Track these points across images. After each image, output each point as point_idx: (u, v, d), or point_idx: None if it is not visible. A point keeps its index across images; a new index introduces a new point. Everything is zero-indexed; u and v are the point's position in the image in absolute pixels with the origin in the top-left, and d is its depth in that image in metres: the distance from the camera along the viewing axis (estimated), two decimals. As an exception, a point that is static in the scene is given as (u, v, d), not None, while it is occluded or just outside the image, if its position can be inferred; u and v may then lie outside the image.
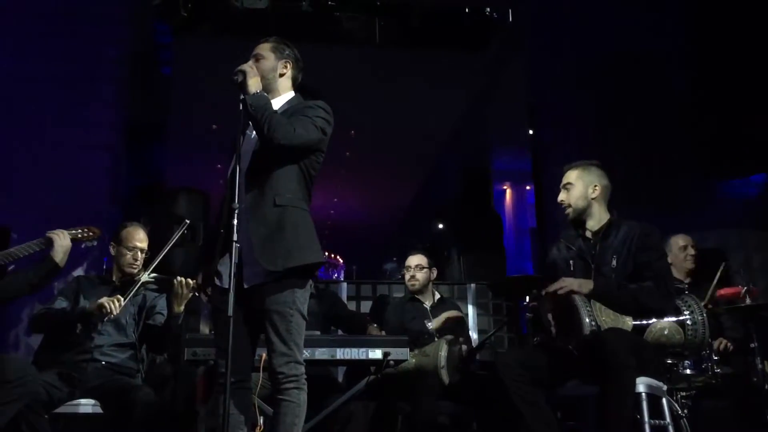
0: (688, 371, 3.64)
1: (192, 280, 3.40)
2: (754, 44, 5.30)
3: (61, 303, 3.54)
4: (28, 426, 2.92)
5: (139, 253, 3.65)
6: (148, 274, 3.56)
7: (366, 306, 5.79)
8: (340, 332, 4.46)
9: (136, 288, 3.50)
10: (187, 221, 3.78)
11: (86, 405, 3.33)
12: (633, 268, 3.05)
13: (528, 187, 10.89)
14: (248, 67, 2.73)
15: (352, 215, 13.64)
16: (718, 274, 4.05)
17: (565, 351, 3.04)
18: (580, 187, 3.22)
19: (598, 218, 3.21)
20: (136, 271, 3.64)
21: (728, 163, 5.51)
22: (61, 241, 2.99)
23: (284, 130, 2.62)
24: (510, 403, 3.00)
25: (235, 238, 2.49)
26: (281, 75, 2.87)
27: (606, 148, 5.81)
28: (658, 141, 5.77)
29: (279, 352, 2.60)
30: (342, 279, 10.91)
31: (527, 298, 3.48)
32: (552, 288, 2.99)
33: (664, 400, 3.02)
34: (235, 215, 2.51)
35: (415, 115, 9.82)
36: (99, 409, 3.33)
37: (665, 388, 3.08)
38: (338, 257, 13.04)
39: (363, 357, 3.44)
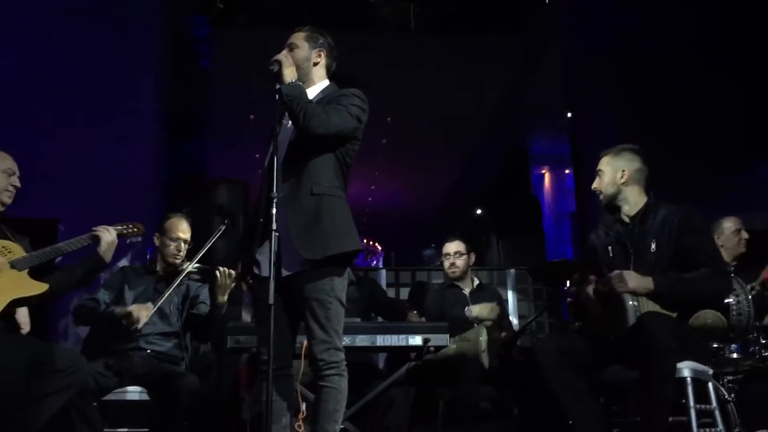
0: (734, 355, 3.56)
1: (233, 270, 3.45)
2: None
3: (103, 295, 3.63)
4: (78, 413, 3.00)
5: (182, 243, 3.71)
6: (192, 265, 3.62)
7: (405, 293, 5.81)
8: (380, 319, 4.49)
9: (179, 279, 3.57)
10: (225, 223, 3.83)
11: (133, 392, 3.42)
12: (674, 253, 3.00)
13: (567, 171, 10.75)
14: (283, 56, 2.74)
15: (390, 202, 13.64)
16: None
17: (606, 336, 3.01)
18: (610, 173, 3.18)
19: (633, 202, 3.17)
20: (179, 261, 3.71)
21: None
22: (107, 237, 3.06)
23: (320, 120, 2.63)
24: (550, 388, 2.99)
25: (273, 227, 2.52)
26: (315, 64, 2.88)
27: (647, 130, 5.71)
28: (702, 121, 5.65)
29: (319, 339, 2.63)
30: (381, 266, 10.94)
31: (568, 283, 3.44)
32: (608, 288, 2.94)
33: (710, 385, 2.97)
34: (274, 204, 2.54)
35: (452, 101, 9.75)
36: (146, 396, 3.41)
37: (711, 372, 3.03)
38: (377, 244, 13.08)
39: (403, 343, 3.45)
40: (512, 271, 6.05)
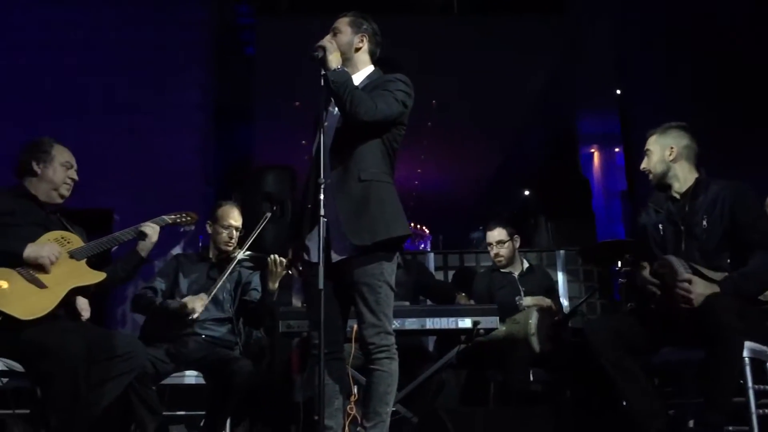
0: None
1: (284, 257, 3.49)
2: None
3: (159, 283, 3.72)
4: (137, 397, 3.09)
5: (234, 231, 3.77)
6: (244, 252, 3.68)
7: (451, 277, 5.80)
8: (428, 302, 4.49)
9: (232, 266, 3.63)
10: (273, 210, 3.88)
11: (190, 377, 3.51)
12: (725, 229, 2.94)
13: (617, 149, 10.55)
14: (328, 42, 2.73)
15: (437, 185, 13.60)
16: None
17: (661, 317, 2.96)
18: (658, 152, 3.13)
19: (683, 179, 3.11)
20: (231, 248, 3.77)
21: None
22: (151, 236, 3.13)
23: (366, 106, 2.63)
24: (603, 369, 2.96)
25: (322, 212, 2.54)
26: (358, 49, 2.87)
27: (699, 105, 5.56)
28: (755, 95, 5.46)
29: (369, 323, 2.65)
30: (429, 249, 10.94)
31: (619, 263, 3.39)
32: (677, 294, 2.88)
33: (768, 365, 2.90)
34: (321, 190, 2.56)
35: (497, 82, 9.65)
36: (202, 380, 3.50)
37: (770, 352, 2.96)
38: (424, 228, 13.07)
39: (452, 326, 3.46)
40: (562, 252, 5.98)
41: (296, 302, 5.03)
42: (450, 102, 9.81)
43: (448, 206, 14.13)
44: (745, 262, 2.91)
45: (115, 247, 3.12)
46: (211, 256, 3.82)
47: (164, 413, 3.30)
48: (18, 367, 2.69)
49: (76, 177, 3.08)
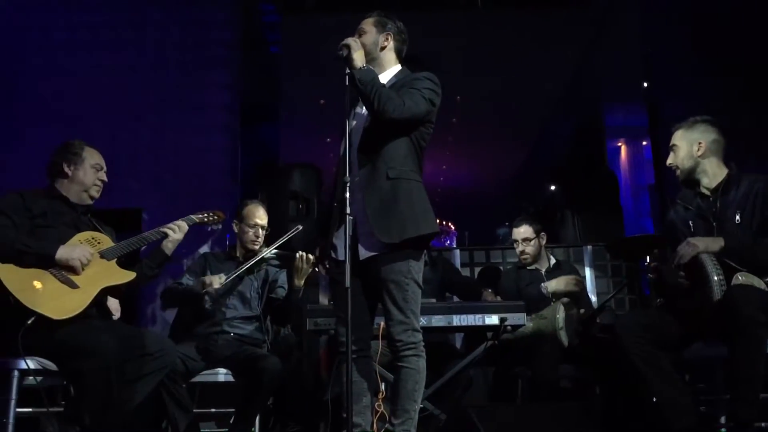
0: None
1: (311, 255, 3.52)
2: None
3: (187, 280, 3.77)
4: (168, 394, 3.14)
5: (260, 230, 3.81)
6: (271, 251, 3.71)
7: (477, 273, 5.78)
8: (455, 299, 4.48)
9: (255, 261, 3.66)
10: (299, 227, 3.90)
11: (220, 374, 3.55)
12: (761, 223, 2.89)
13: (644, 143, 10.42)
14: (352, 40, 2.75)
15: (462, 181, 13.55)
16: None
17: (691, 312, 2.93)
18: (685, 147, 3.09)
19: (712, 174, 3.07)
20: (258, 247, 3.80)
21: None
22: (176, 235, 3.17)
23: (394, 104, 2.64)
24: (632, 365, 2.94)
25: (348, 210, 2.55)
26: (383, 48, 2.88)
27: (728, 97, 5.46)
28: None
29: (397, 320, 2.66)
30: (454, 246, 10.91)
31: (648, 258, 3.35)
32: (679, 259, 2.87)
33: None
34: (348, 188, 2.57)
35: (522, 76, 9.58)
36: (231, 378, 3.54)
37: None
38: (450, 224, 13.02)
39: (479, 323, 3.46)
40: (589, 247, 5.93)
41: (323, 299, 5.05)
42: (475, 97, 9.76)
43: (474, 202, 14.07)
44: None
45: (144, 247, 3.16)
46: (238, 254, 3.86)
47: (195, 410, 3.34)
48: (52, 366, 2.74)
49: (105, 179, 3.13)
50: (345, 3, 7.59)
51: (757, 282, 2.81)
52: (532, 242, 4.37)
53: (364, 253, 2.70)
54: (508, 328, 3.45)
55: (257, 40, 8.47)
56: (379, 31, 2.88)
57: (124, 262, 3.04)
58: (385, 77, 2.83)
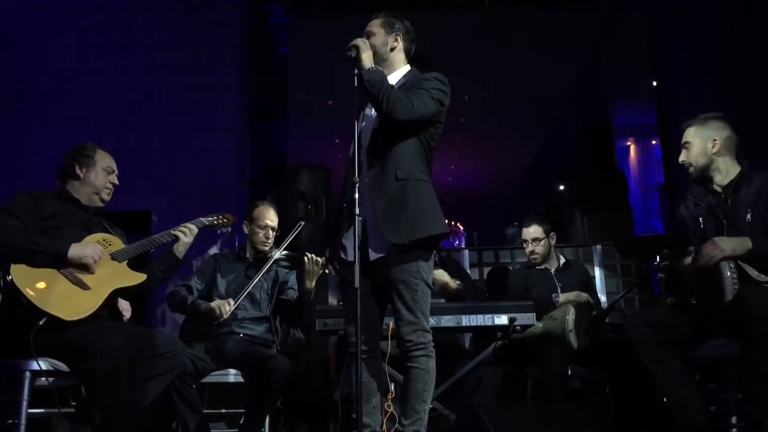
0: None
1: (320, 257, 3.52)
2: None
3: (195, 282, 3.77)
4: (178, 395, 3.14)
5: (270, 231, 3.81)
6: (280, 252, 3.72)
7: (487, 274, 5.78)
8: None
9: (270, 264, 3.67)
10: (302, 223, 3.90)
11: (229, 375, 3.55)
12: None
13: (654, 142, 10.38)
14: (361, 41, 2.75)
15: (471, 181, 13.53)
16: None
17: (702, 311, 2.92)
18: (699, 144, 3.05)
19: (725, 171, 3.04)
20: (268, 248, 3.81)
21: None
22: (186, 238, 3.18)
23: (402, 105, 2.64)
24: (642, 365, 2.92)
25: (357, 211, 2.55)
26: (392, 49, 2.88)
27: (737, 95, 5.43)
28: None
29: (406, 320, 2.66)
30: (463, 246, 10.90)
31: (657, 257, 3.34)
32: (708, 260, 2.83)
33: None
34: (356, 189, 2.58)
35: (530, 75, 9.55)
36: (241, 379, 3.54)
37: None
38: (458, 224, 13.01)
39: (489, 323, 3.46)
40: (598, 247, 5.91)
41: (332, 300, 5.06)
42: (483, 97, 9.75)
43: (483, 202, 14.06)
44: None
45: (153, 249, 3.17)
46: (248, 255, 3.87)
47: (205, 411, 3.35)
48: (63, 366, 2.75)
49: (116, 182, 3.15)
50: (352, 3, 7.60)
51: None
52: (542, 242, 4.36)
53: (373, 254, 2.70)
54: (518, 328, 3.45)
55: (265, 41, 8.49)
56: (388, 31, 2.88)
57: (135, 264, 3.05)
58: (394, 78, 2.83)
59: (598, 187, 6.88)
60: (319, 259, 3.57)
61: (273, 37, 8.95)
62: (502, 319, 3.44)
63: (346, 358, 3.18)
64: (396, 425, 2.71)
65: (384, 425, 2.74)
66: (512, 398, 4.22)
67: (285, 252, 3.73)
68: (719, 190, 3.05)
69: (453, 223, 12.60)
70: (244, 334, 3.65)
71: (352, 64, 2.70)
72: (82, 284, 2.80)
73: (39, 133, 6.21)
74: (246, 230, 3.88)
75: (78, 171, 3.05)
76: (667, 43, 6.86)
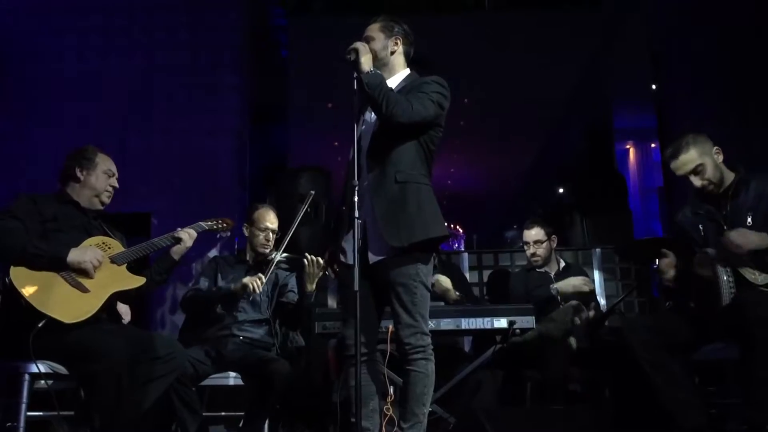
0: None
1: (320, 258, 3.52)
2: None
3: (204, 282, 3.78)
4: (178, 397, 3.15)
5: (270, 233, 3.81)
6: (281, 254, 3.72)
7: (488, 276, 5.77)
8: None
9: (271, 267, 3.67)
10: (312, 192, 3.91)
11: (229, 377, 3.55)
12: None
13: (653, 145, 10.40)
14: (360, 44, 2.74)
15: (470, 184, 13.52)
16: None
17: (701, 314, 2.92)
18: (709, 161, 3.05)
19: (724, 179, 3.06)
20: (268, 251, 3.81)
21: None
22: (186, 242, 3.18)
23: (402, 108, 2.64)
24: (641, 368, 2.93)
25: (356, 214, 2.55)
26: (392, 52, 2.88)
27: (737, 99, 5.44)
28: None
29: (405, 323, 2.66)
30: (463, 249, 10.90)
31: (657, 261, 3.34)
32: (737, 247, 2.81)
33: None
34: (356, 192, 2.58)
35: (529, 78, 9.55)
36: (240, 382, 3.54)
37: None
38: (458, 227, 13.02)
39: (488, 326, 3.46)
40: (598, 250, 5.91)
41: (332, 303, 5.05)
42: (483, 100, 9.75)
43: (482, 205, 14.04)
44: None
45: (152, 252, 3.18)
46: (248, 258, 3.87)
47: (204, 414, 3.35)
48: (62, 369, 2.75)
49: (116, 185, 3.15)
50: (353, 5, 7.60)
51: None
52: (544, 244, 4.37)
53: (373, 257, 2.70)
54: (517, 331, 3.45)
55: (266, 43, 8.49)
56: (387, 35, 2.88)
57: (134, 268, 3.05)
58: (394, 81, 2.83)
59: (598, 190, 6.89)
60: (319, 260, 3.57)
61: (273, 39, 8.95)
62: (502, 322, 3.44)
63: (345, 361, 3.18)
64: (395, 428, 2.71)
65: (383, 428, 2.74)
66: (512, 401, 4.21)
67: (285, 254, 3.73)
68: (717, 196, 3.07)
69: (453, 225, 12.61)
70: (243, 337, 3.65)
71: (351, 66, 2.70)
72: (82, 287, 2.80)
73: (39, 133, 6.20)
74: (246, 233, 3.88)
75: (79, 173, 3.06)
76: (667, 47, 6.87)
